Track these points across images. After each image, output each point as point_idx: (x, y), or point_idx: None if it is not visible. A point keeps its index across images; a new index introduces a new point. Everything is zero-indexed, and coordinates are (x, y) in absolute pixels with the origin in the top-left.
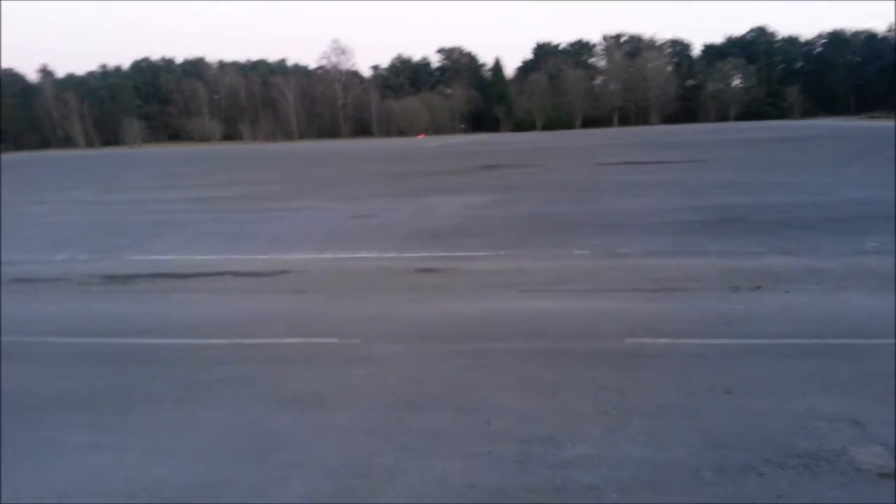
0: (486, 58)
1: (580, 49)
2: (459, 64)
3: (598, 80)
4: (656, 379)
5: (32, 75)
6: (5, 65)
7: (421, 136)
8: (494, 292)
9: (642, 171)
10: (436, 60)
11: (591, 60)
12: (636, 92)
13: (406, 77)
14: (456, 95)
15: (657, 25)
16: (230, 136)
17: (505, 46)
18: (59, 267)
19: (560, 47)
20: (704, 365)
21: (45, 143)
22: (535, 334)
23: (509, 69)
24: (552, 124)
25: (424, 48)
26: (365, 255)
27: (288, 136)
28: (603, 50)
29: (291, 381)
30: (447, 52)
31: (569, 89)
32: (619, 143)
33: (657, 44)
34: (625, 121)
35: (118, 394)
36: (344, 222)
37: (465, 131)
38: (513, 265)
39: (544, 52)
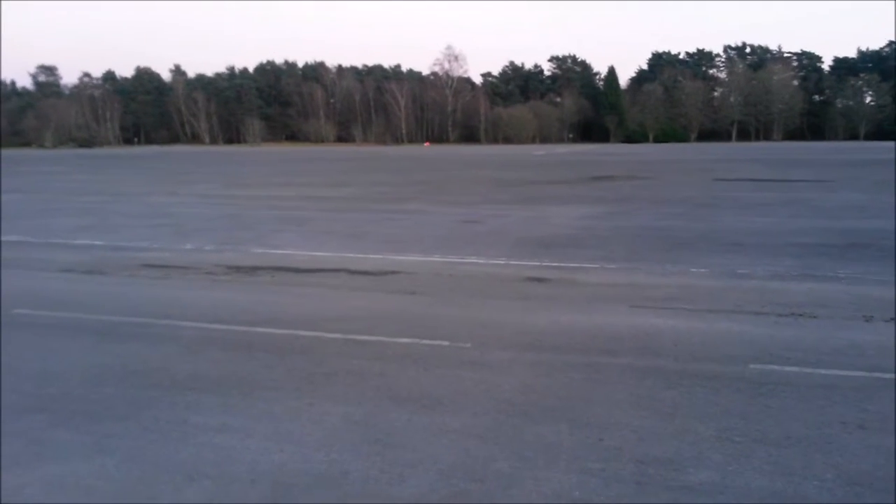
0: (599, 67)
1: (700, 59)
2: (571, 72)
3: (718, 93)
4: (784, 408)
5: (166, 74)
6: (142, 64)
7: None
8: (607, 306)
9: (764, 188)
10: (548, 68)
11: (711, 71)
12: (758, 106)
13: (516, 84)
14: (566, 104)
15: (784, 36)
16: (343, 138)
17: (619, 56)
18: (188, 255)
19: (678, 57)
20: (836, 397)
21: (174, 139)
22: (651, 352)
23: (623, 79)
24: (665, 137)
25: (537, 56)
26: (474, 260)
27: (397, 140)
28: (724, 61)
29: (404, 381)
30: (559, 61)
31: (685, 101)
32: (737, 158)
33: (784, 55)
34: (744, 135)
35: (242, 379)
36: (453, 227)
37: (573, 141)
38: (626, 279)
39: (661, 61)
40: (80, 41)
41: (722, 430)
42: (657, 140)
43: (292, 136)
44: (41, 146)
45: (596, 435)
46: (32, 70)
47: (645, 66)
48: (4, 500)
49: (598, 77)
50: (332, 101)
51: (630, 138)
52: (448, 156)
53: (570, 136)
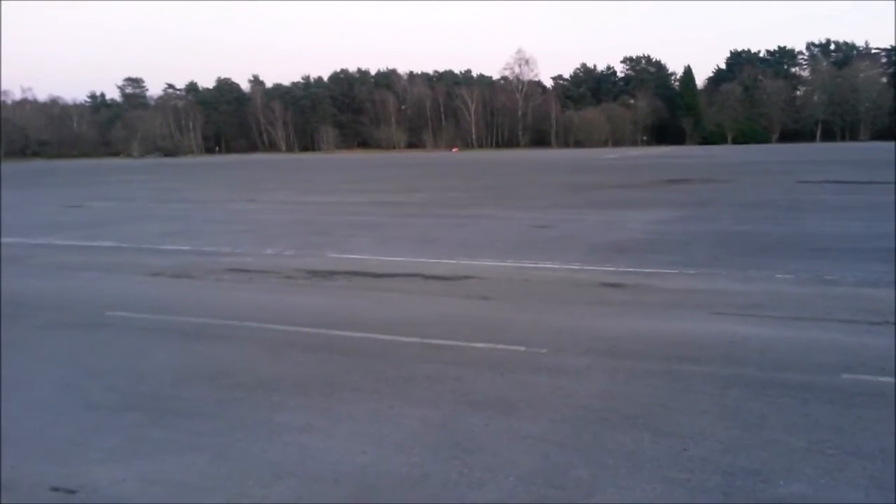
0: (674, 67)
1: (781, 57)
2: (645, 73)
3: (800, 91)
4: (879, 420)
5: (245, 84)
6: (223, 75)
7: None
8: (687, 312)
9: (851, 191)
10: (620, 70)
11: (793, 70)
12: (843, 105)
13: (588, 87)
14: (639, 106)
15: (872, 32)
16: (413, 144)
17: (696, 55)
18: (268, 260)
19: (758, 55)
20: None
21: (252, 147)
22: (736, 360)
23: (699, 79)
24: (745, 138)
25: (609, 57)
26: (548, 265)
27: (467, 145)
28: (807, 58)
29: (481, 385)
30: (633, 62)
31: (766, 100)
32: (822, 159)
33: (871, 52)
34: (828, 136)
35: (324, 381)
36: (525, 232)
37: (647, 143)
38: (706, 285)
39: (740, 60)
40: (164, 54)
41: (813, 441)
42: (736, 141)
43: (364, 143)
44: (129, 156)
45: (679, 444)
46: (120, 82)
47: (723, 66)
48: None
49: (673, 77)
50: (403, 107)
51: (707, 140)
52: (519, 160)
53: (644, 138)
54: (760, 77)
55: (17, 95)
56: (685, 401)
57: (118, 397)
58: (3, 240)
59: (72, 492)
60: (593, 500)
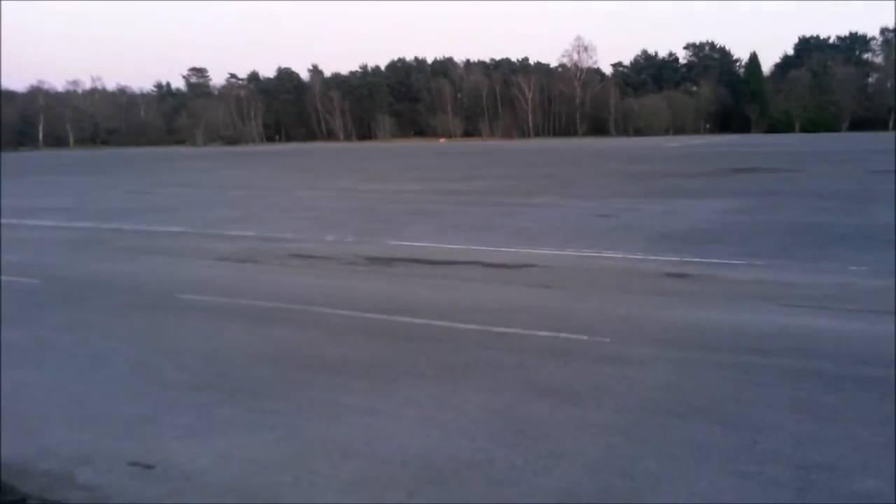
0: (739, 53)
1: (852, 43)
2: (709, 60)
3: (872, 78)
4: None
5: (304, 74)
6: (283, 64)
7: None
8: (755, 304)
9: None
10: (683, 56)
11: (865, 56)
12: None
13: (649, 74)
14: (702, 93)
15: None
16: (469, 132)
17: (762, 41)
18: (329, 247)
19: (828, 41)
20: None
21: (311, 136)
22: (808, 353)
23: (766, 66)
24: (813, 126)
25: (671, 44)
26: (610, 254)
27: (524, 134)
28: (880, 44)
29: (543, 373)
30: (696, 48)
31: (835, 87)
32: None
33: None
34: None
35: (387, 366)
36: (586, 220)
37: (710, 131)
38: (775, 277)
39: (808, 46)
40: (227, 44)
41: (890, 437)
42: (804, 130)
43: (420, 132)
44: (193, 144)
45: (750, 437)
46: (185, 72)
47: (790, 52)
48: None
49: (738, 64)
50: (459, 95)
51: (773, 128)
52: (577, 149)
53: (708, 126)
54: (830, 63)
55: (87, 85)
56: (755, 393)
57: (190, 376)
58: (79, 224)
59: (150, 467)
60: (661, 490)
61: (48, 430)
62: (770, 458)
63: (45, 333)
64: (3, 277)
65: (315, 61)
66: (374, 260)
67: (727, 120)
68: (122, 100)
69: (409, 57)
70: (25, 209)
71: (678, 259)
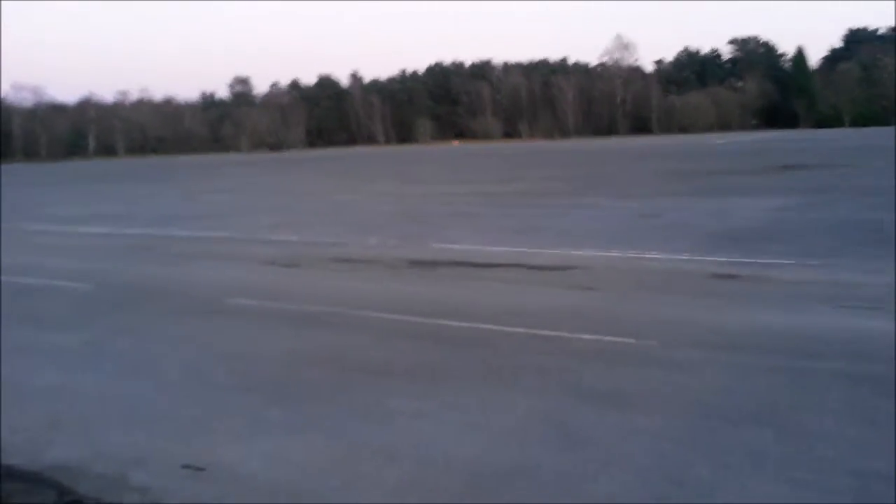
0: (785, 48)
1: None
2: (754, 55)
3: None
4: None
5: (344, 80)
6: (323, 72)
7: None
8: (809, 305)
9: None
10: (727, 52)
11: None
12: None
13: (692, 71)
14: (748, 89)
15: None
16: (509, 133)
17: (809, 35)
18: (372, 250)
19: (878, 33)
20: None
21: (351, 140)
22: (865, 357)
23: (814, 59)
24: (864, 120)
25: (714, 39)
26: (655, 255)
27: (564, 134)
28: None
29: (590, 377)
30: (740, 43)
31: (886, 80)
32: None
33: None
34: None
35: (432, 369)
36: (630, 221)
37: (756, 128)
38: (829, 277)
39: (857, 38)
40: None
41: None
42: (855, 124)
43: (460, 134)
44: (237, 151)
45: (806, 444)
46: (229, 82)
47: (839, 45)
48: (221, 472)
49: (784, 58)
50: (498, 97)
51: (822, 123)
52: (619, 148)
53: (754, 122)
54: (880, 56)
55: (135, 96)
56: (810, 398)
57: (239, 379)
58: (130, 230)
59: (201, 469)
60: (714, 498)
61: (103, 432)
62: (827, 466)
63: (99, 337)
64: (59, 283)
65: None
66: (416, 263)
67: (774, 115)
68: (169, 110)
69: (448, 60)
70: (78, 217)
71: (726, 259)
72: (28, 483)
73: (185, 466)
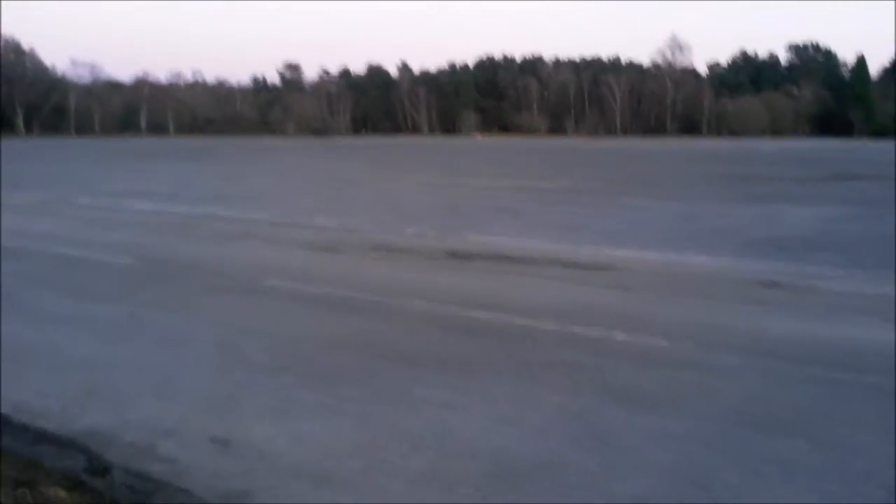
0: (845, 55)
1: None
2: (812, 62)
3: None
4: None
5: (393, 71)
6: (373, 61)
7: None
8: (854, 317)
9: None
10: (785, 58)
11: None
12: None
13: (747, 74)
14: (803, 95)
15: None
16: (554, 129)
17: (870, 43)
18: (411, 240)
19: None
20: None
21: (396, 130)
22: None
23: (873, 69)
24: None
25: (772, 44)
26: (695, 258)
27: (611, 133)
28: None
29: (621, 377)
30: (799, 49)
31: None
32: None
33: None
34: None
35: (463, 360)
36: (672, 223)
37: (810, 135)
38: (875, 290)
39: None
40: (320, 41)
41: None
42: None
43: (504, 128)
44: (284, 135)
45: (839, 456)
46: (280, 67)
47: None
48: (244, 450)
49: (843, 67)
50: (545, 93)
51: (879, 133)
52: (667, 150)
53: (808, 129)
54: None
55: (189, 77)
56: (847, 411)
57: (272, 358)
58: (175, 208)
59: (227, 444)
60: None
61: (136, 402)
62: (860, 479)
63: (138, 310)
64: (102, 256)
65: (404, 58)
66: (455, 255)
67: (828, 124)
68: (221, 92)
69: (498, 55)
70: (126, 192)
71: (770, 266)
72: (60, 447)
73: (213, 440)
